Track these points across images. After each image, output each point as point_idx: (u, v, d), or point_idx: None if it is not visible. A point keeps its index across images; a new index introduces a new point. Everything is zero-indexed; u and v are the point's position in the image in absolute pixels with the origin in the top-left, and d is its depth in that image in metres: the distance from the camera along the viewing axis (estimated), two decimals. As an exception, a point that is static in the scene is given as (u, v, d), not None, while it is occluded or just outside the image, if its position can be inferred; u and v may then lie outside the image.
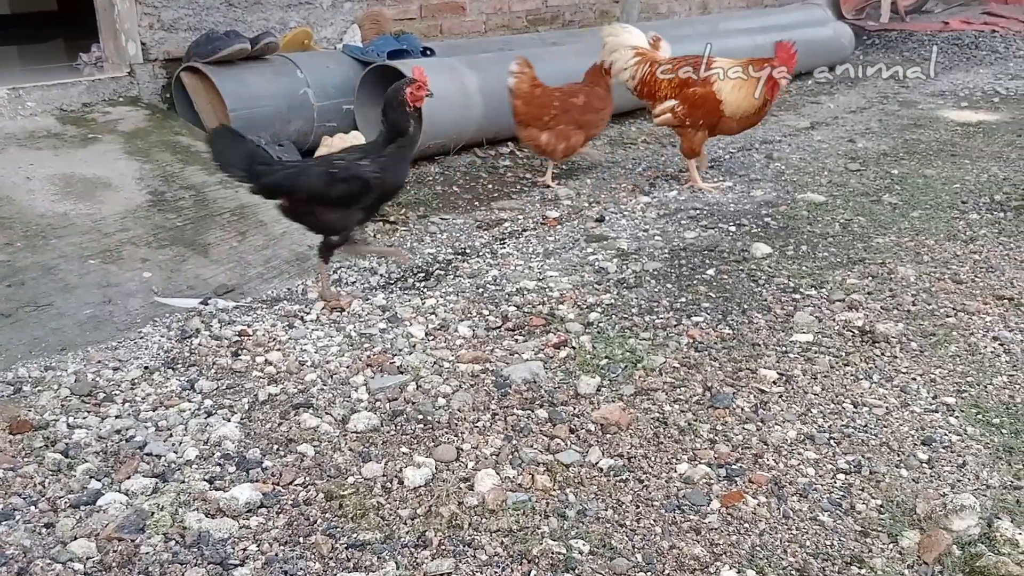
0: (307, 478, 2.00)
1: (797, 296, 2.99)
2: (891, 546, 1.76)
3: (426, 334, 2.71)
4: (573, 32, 6.43)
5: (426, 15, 5.94)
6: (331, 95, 4.79)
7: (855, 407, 2.27)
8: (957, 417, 2.21)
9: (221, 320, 2.82)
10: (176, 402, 2.33)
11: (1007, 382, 2.38)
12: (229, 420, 2.25)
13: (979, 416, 2.21)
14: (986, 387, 2.35)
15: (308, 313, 2.88)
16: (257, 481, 1.99)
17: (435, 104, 4.56)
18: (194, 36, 4.68)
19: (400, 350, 2.60)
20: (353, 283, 3.14)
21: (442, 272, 3.25)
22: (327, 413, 2.26)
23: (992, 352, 2.55)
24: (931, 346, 2.60)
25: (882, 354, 2.56)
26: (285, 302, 2.99)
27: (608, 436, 2.15)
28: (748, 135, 5.69)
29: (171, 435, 2.19)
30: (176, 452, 2.11)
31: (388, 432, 2.18)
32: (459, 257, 3.41)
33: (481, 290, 3.08)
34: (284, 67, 4.67)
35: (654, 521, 1.84)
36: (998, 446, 2.08)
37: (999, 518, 1.80)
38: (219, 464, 2.06)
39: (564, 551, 1.73)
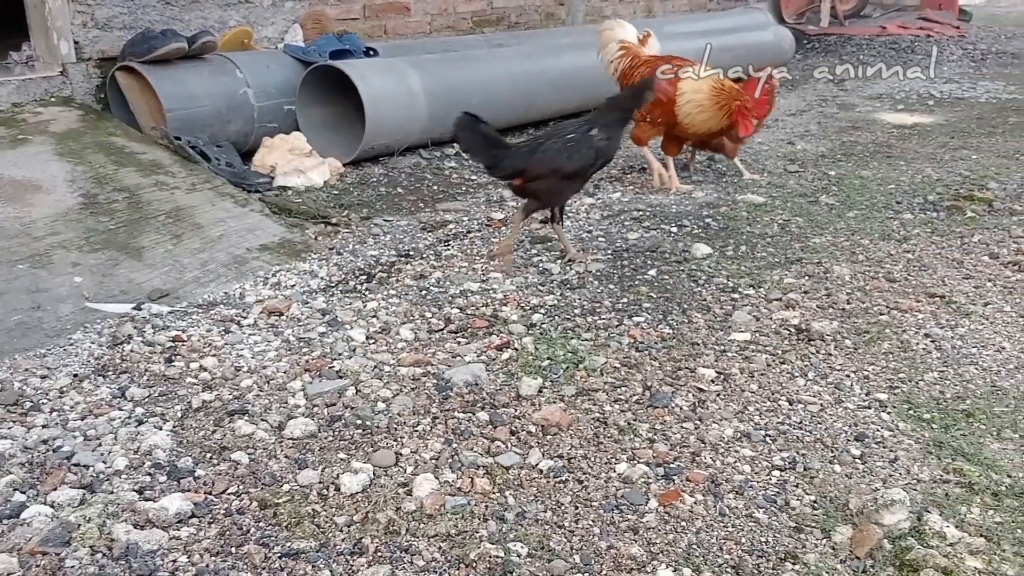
0: (241, 486, 1.95)
1: (736, 295, 3.03)
2: (824, 541, 1.78)
3: (367, 337, 2.68)
4: (518, 34, 6.44)
5: (370, 15, 5.89)
6: (272, 95, 4.72)
7: (791, 404, 2.31)
8: (889, 413, 2.26)
9: (154, 325, 2.75)
10: (106, 410, 2.27)
11: (937, 378, 2.44)
12: (161, 428, 2.19)
13: (910, 412, 2.26)
14: (917, 383, 2.41)
15: (245, 318, 2.82)
16: (188, 490, 1.93)
17: (379, 105, 4.54)
18: (129, 35, 4.57)
19: (340, 354, 2.56)
20: (293, 286, 3.09)
21: (385, 274, 3.22)
22: (263, 420, 2.22)
23: (924, 349, 2.62)
24: (865, 343, 2.65)
25: (817, 352, 2.60)
26: (222, 306, 2.93)
27: (549, 437, 2.14)
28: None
29: (100, 445, 2.12)
30: (105, 462, 2.04)
31: (325, 438, 2.14)
32: (402, 259, 3.38)
33: (424, 292, 3.06)
34: (223, 67, 4.59)
35: (592, 522, 1.84)
36: (928, 441, 2.13)
37: (928, 512, 1.84)
38: (149, 474, 2.01)
39: (502, 554, 1.72)
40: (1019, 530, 1.79)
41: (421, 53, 5.46)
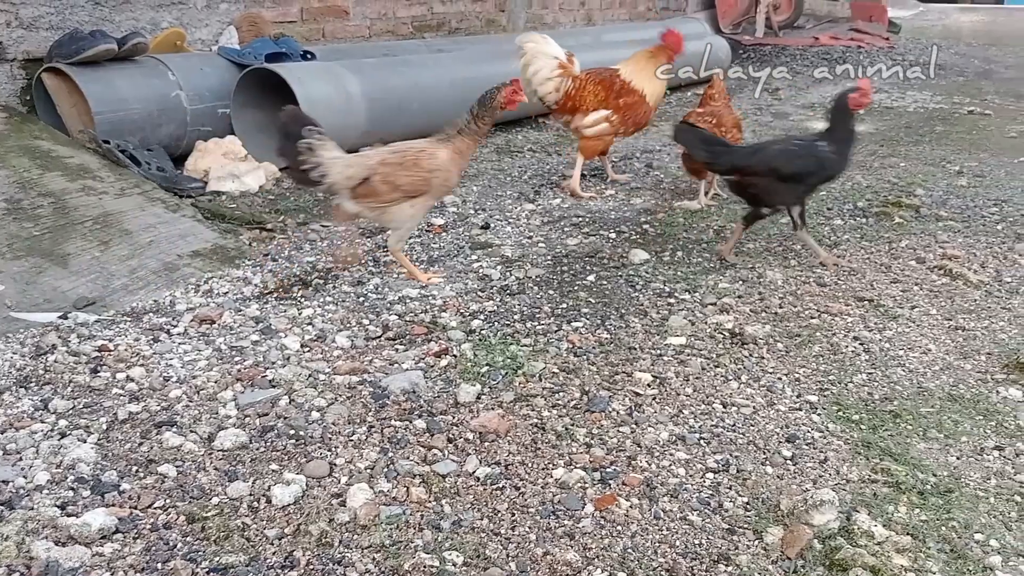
0: (168, 500, 1.89)
1: (672, 300, 3.06)
2: (756, 543, 1.81)
3: (302, 345, 2.63)
4: (459, 39, 6.44)
5: (308, 18, 5.82)
6: (206, 98, 4.62)
7: (724, 407, 2.34)
8: (819, 415, 2.30)
9: (80, 335, 2.65)
10: (27, 423, 2.18)
11: (866, 380, 2.50)
12: (85, 441, 2.11)
13: (839, 413, 2.31)
14: (846, 385, 2.46)
15: (175, 326, 2.75)
16: (113, 505, 1.87)
17: (316, 109, 4.48)
18: (56, 35, 4.43)
19: (273, 363, 2.51)
20: (225, 294, 3.02)
21: (321, 281, 3.17)
22: (192, 431, 2.16)
23: (852, 351, 2.68)
24: (796, 346, 2.70)
25: (750, 355, 2.65)
26: (151, 315, 2.85)
27: (486, 444, 2.13)
28: (629, 144, 5.83)
29: (20, 459, 2.04)
30: (25, 477, 1.96)
31: (257, 449, 2.10)
32: (339, 265, 3.33)
33: (362, 299, 3.02)
34: (154, 69, 4.48)
35: (529, 528, 1.83)
36: (857, 441, 2.18)
37: (857, 511, 1.88)
38: (72, 488, 1.93)
39: (437, 564, 1.70)
40: (943, 528, 1.84)
41: (360, 57, 5.41)
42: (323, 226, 3.78)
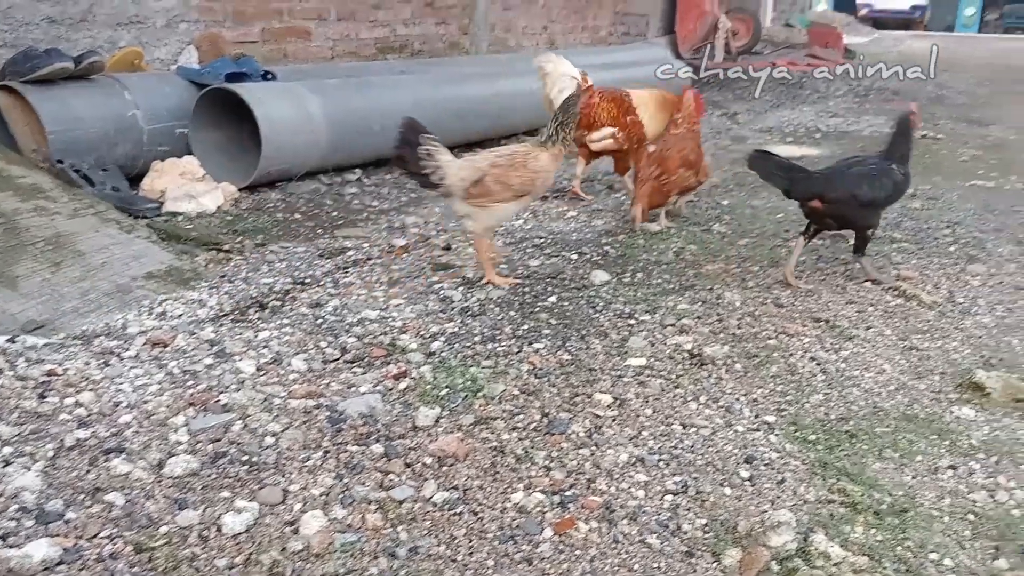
0: (115, 529, 1.84)
1: (632, 321, 3.07)
2: (715, 565, 1.80)
3: (257, 369, 2.58)
4: (423, 61, 6.45)
5: (269, 39, 5.79)
6: (163, 118, 4.56)
7: (683, 428, 2.34)
8: (777, 435, 2.31)
9: (28, 359, 2.58)
10: (-32, 452, 2.10)
11: (823, 400, 2.52)
12: (30, 469, 2.04)
13: (797, 433, 2.32)
14: (803, 405, 2.48)
15: (127, 349, 2.69)
16: (57, 535, 1.81)
17: (276, 129, 4.45)
18: (10, 53, 4.35)
19: (227, 387, 2.46)
20: (179, 316, 2.97)
21: (278, 303, 3.13)
22: (141, 458, 2.10)
23: (809, 372, 2.70)
24: (754, 367, 2.72)
25: (709, 376, 2.66)
26: (103, 338, 2.78)
27: (444, 468, 2.10)
28: (592, 167, 5.87)
29: (-40, 489, 1.96)
30: (-36, 508, 1.89)
31: (208, 476, 2.05)
32: (298, 287, 3.29)
33: (320, 321, 2.98)
34: (111, 88, 4.41)
35: (487, 554, 1.80)
36: (814, 462, 2.19)
37: (814, 532, 1.88)
38: (15, 518, 1.86)
39: (393, 592, 1.67)
40: (899, 548, 1.85)
41: (322, 78, 5.39)
42: (282, 247, 3.74)
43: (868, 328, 3.06)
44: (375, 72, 5.93)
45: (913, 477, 2.13)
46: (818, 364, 2.76)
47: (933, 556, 1.83)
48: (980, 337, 3.01)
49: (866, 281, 3.50)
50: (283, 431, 2.25)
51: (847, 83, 10.97)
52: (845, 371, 2.71)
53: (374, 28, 6.41)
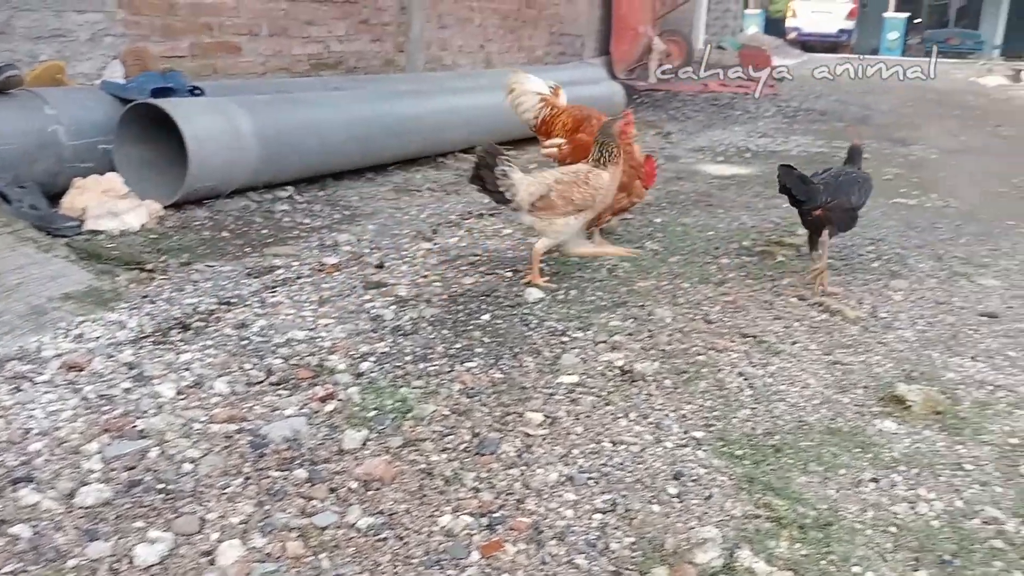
0: (19, 564, 1.74)
1: (565, 339, 3.07)
2: (643, 583, 1.79)
3: (177, 393, 2.50)
4: (357, 78, 6.40)
5: (198, 53, 5.68)
6: (86, 134, 4.42)
7: (613, 445, 2.33)
8: (705, 450, 2.33)
9: (-70, 386, 2.45)
10: None
11: (750, 414, 2.55)
12: (-73, 503, 1.93)
13: (724, 448, 2.34)
14: (731, 420, 2.51)
15: (40, 374, 2.57)
16: (-45, 574, 1.71)
17: (204, 145, 4.35)
18: (-79, 66, 4.16)
19: (144, 412, 2.37)
20: (97, 338, 2.86)
21: (202, 324, 3.04)
22: (51, 487, 2.00)
23: (737, 387, 2.73)
24: (683, 383, 2.74)
25: (640, 392, 2.67)
26: (15, 362, 2.65)
27: (370, 493, 2.06)
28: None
29: None
30: None
31: (122, 505, 1.96)
32: (223, 307, 3.21)
33: (245, 342, 2.91)
34: (30, 102, 4.26)
35: (412, 580, 1.76)
36: (740, 477, 2.20)
37: (740, 548, 1.89)
38: (-91, 557, 1.75)
39: (313, 622, 1.62)
40: (823, 562, 1.87)
41: (253, 94, 5.31)
42: (207, 266, 3.64)
43: (794, 343, 3.11)
44: (308, 88, 5.86)
45: (837, 490, 2.16)
46: (745, 379, 2.79)
47: (856, 569, 1.85)
48: (902, 351, 3.09)
49: (796, 296, 3.58)
50: (202, 457, 2.17)
51: (776, 104, 11.28)
52: (771, 386, 2.75)
53: (307, 44, 6.34)
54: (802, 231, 4.68)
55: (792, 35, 30.24)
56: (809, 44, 29.80)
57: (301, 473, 2.12)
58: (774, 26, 32.16)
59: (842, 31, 30.80)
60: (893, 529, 2.01)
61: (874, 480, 2.22)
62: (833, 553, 1.89)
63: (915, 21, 34.98)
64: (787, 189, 3.66)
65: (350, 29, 6.72)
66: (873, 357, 3.02)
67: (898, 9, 33.33)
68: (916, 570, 1.86)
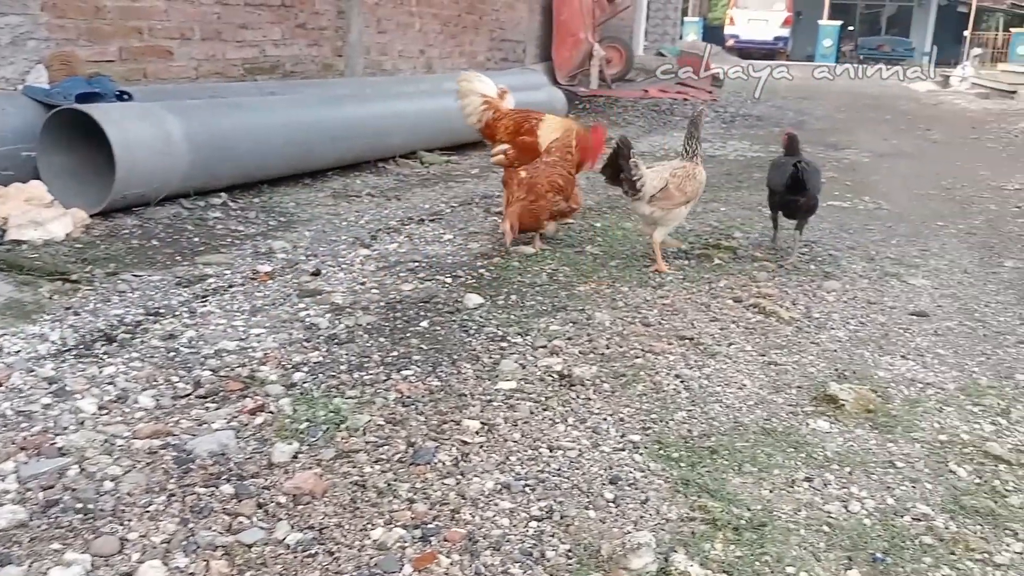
0: (-79, 595, 1.65)
1: (504, 344, 3.04)
2: (578, 591, 1.77)
3: (99, 408, 2.40)
4: (294, 83, 6.30)
5: (127, 58, 5.51)
6: (7, 140, 4.26)
7: (551, 451, 2.31)
8: (642, 454, 2.32)
9: None
10: None
11: (686, 417, 2.56)
12: None
13: (661, 451, 2.34)
14: (668, 423, 2.51)
15: (-49, 391, 2.45)
16: None
17: (132, 152, 4.22)
18: None
19: (64, 428, 2.27)
20: (17, 352, 2.73)
21: (128, 336, 2.93)
22: (-42, 511, 1.90)
23: (674, 389, 2.74)
24: (621, 386, 2.74)
25: (578, 396, 2.65)
26: (-76, 379, 2.52)
27: (300, 507, 2.00)
28: (470, 191, 5.87)
29: None
30: None
31: (38, 527, 1.87)
32: (151, 318, 3.10)
33: (173, 354, 2.81)
34: (-55, 108, 4.08)
35: (342, 596, 1.71)
36: (677, 479, 2.20)
37: (675, 551, 1.88)
38: None
39: (237, 644, 1.56)
40: (757, 563, 1.87)
41: (185, 99, 5.17)
42: (135, 276, 3.52)
43: (730, 344, 3.14)
44: (243, 93, 5.74)
45: (771, 491, 2.17)
46: (682, 381, 2.80)
47: (790, 570, 1.86)
48: (834, 351, 3.14)
49: (731, 299, 3.62)
50: (124, 474, 2.09)
51: (714, 110, 11.45)
52: (708, 387, 2.76)
53: (242, 48, 6.21)
54: (738, 234, 4.76)
55: (730, 42, 30.88)
56: (747, 51, 30.44)
57: (228, 489, 2.05)
58: (713, 33, 32.79)
59: (778, 38, 31.57)
60: (826, 528, 2.02)
61: (807, 479, 2.24)
62: (767, 554, 1.90)
63: (848, 29, 36.00)
64: (794, 178, 4.00)
65: (286, 33, 6.61)
66: (807, 357, 3.06)
67: (831, 17, 34.26)
68: (849, 569, 1.87)
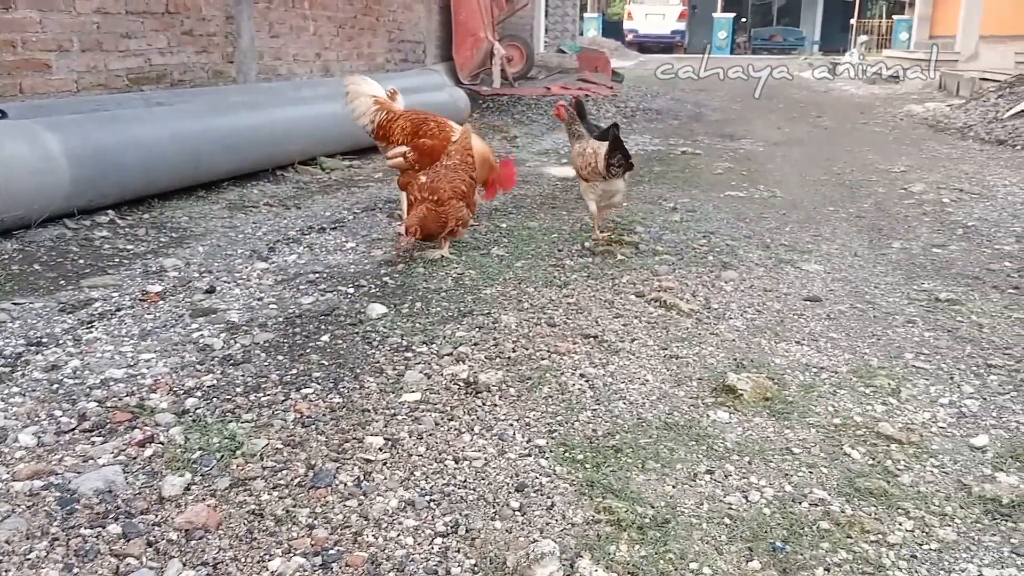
0: None
1: (409, 354, 2.99)
2: (485, 606, 1.75)
3: (-29, 451, 2.25)
4: (182, 92, 6.07)
5: (1, 73, 5.20)
6: None
7: (456, 463, 2.28)
8: (547, 458, 2.31)
9: None
10: None
11: (591, 416, 2.56)
12: None
13: (566, 454, 2.33)
14: (573, 424, 2.51)
15: None
16: None
17: (7, 171, 3.98)
18: None
19: (-69, 476, 2.12)
20: None
21: (7, 369, 2.76)
22: None
23: (579, 389, 2.74)
24: (527, 390, 2.72)
25: (484, 404, 2.63)
26: None
27: (193, 542, 1.91)
28: (374, 196, 5.79)
29: None
30: None
31: (-101, 588, 1.73)
32: (32, 348, 2.93)
33: (56, 386, 2.66)
34: None
35: (239, 634, 1.64)
36: (582, 481, 2.20)
37: (580, 556, 1.88)
38: None
39: None
40: (661, 562, 1.89)
41: (65, 113, 4.92)
42: (15, 304, 3.32)
43: (633, 340, 3.17)
44: (128, 105, 5.49)
45: (674, 486, 2.19)
46: (587, 381, 2.81)
47: (693, 566, 1.88)
48: (733, 340, 3.21)
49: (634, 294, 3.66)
50: (2, 520, 1.95)
51: (615, 105, 11.62)
52: (612, 385, 2.78)
53: (125, 58, 5.95)
54: (640, 228, 4.82)
55: (630, 37, 31.43)
56: (646, 45, 31.07)
57: (115, 528, 1.94)
58: (612, 29, 33.30)
59: (675, 32, 32.33)
60: (727, 521, 2.05)
61: (709, 472, 2.27)
62: (671, 552, 1.91)
63: (741, 20, 37.13)
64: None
65: (172, 41, 6.36)
66: (706, 348, 3.12)
67: (725, 10, 35.26)
68: (750, 560, 1.90)
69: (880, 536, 2.00)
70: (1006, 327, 3.40)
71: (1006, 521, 2.07)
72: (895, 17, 30.48)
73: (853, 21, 33.26)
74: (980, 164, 7.45)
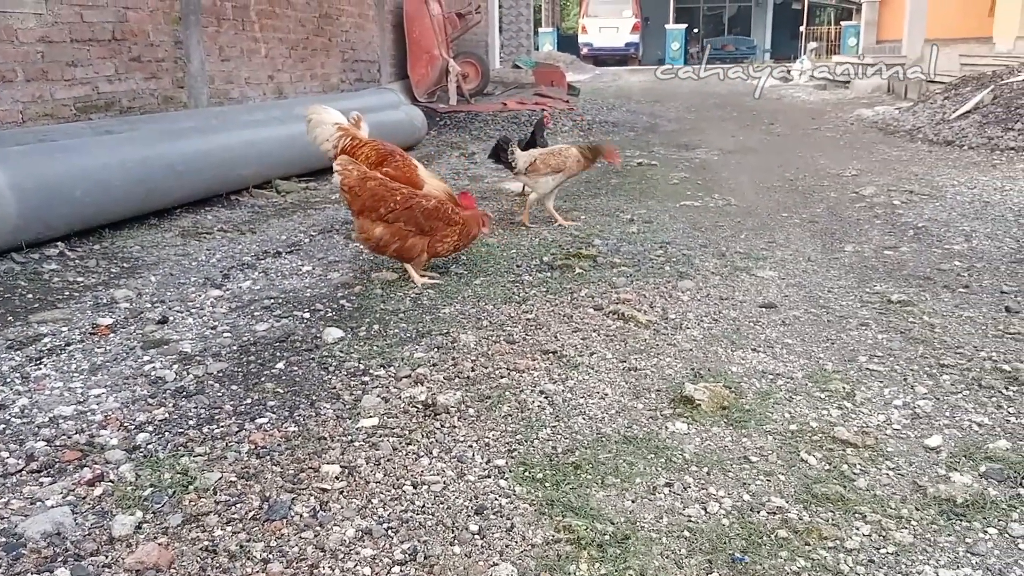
0: None
1: (366, 378, 2.96)
2: (445, 634, 1.72)
3: (-90, 499, 2.17)
4: (131, 119, 5.97)
5: (-60, 105, 5.08)
6: None
7: (415, 488, 2.25)
8: (507, 479, 2.29)
9: None
10: None
11: (550, 433, 2.55)
12: None
13: (526, 473, 2.32)
14: (532, 442, 2.49)
15: None
16: None
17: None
18: None
19: None
20: None
21: (-51, 412, 2.68)
22: None
23: (538, 406, 2.73)
24: (486, 409, 2.71)
25: (443, 426, 2.60)
26: None
27: (144, 583, 1.86)
28: (331, 217, 5.75)
29: None
30: None
31: None
32: (-24, 390, 2.85)
33: (3, 426, 2.59)
34: None
35: (191, 677, 1.60)
36: (542, 501, 2.18)
37: (540, 578, 1.86)
38: None
39: None
40: (621, 578, 1.88)
41: (10, 144, 4.81)
42: (-42, 344, 3.23)
43: (592, 354, 3.17)
44: (75, 134, 5.38)
45: (633, 501, 2.19)
46: (546, 397, 2.80)
47: (653, 580, 1.87)
48: (690, 350, 3.22)
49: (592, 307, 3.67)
50: (-59, 572, 1.89)
51: (572, 119, 11.69)
52: (571, 400, 2.77)
53: (72, 87, 5.84)
54: (598, 241, 4.84)
55: (585, 50, 31.70)
56: (601, 58, 31.35)
57: (63, 572, 1.89)
58: (568, 43, 33.57)
59: (629, 44, 32.67)
60: (687, 533, 2.05)
61: (668, 485, 2.27)
62: (630, 568, 1.90)
63: (694, 31, 37.64)
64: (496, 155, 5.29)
65: (120, 68, 6.27)
66: (664, 359, 3.13)
67: (677, 21, 35.75)
68: (710, 573, 1.90)
69: (838, 542, 2.02)
70: (957, 326, 3.46)
71: (961, 521, 2.10)
72: (843, 23, 31.15)
73: (802, 28, 33.90)
74: (929, 165, 7.61)
